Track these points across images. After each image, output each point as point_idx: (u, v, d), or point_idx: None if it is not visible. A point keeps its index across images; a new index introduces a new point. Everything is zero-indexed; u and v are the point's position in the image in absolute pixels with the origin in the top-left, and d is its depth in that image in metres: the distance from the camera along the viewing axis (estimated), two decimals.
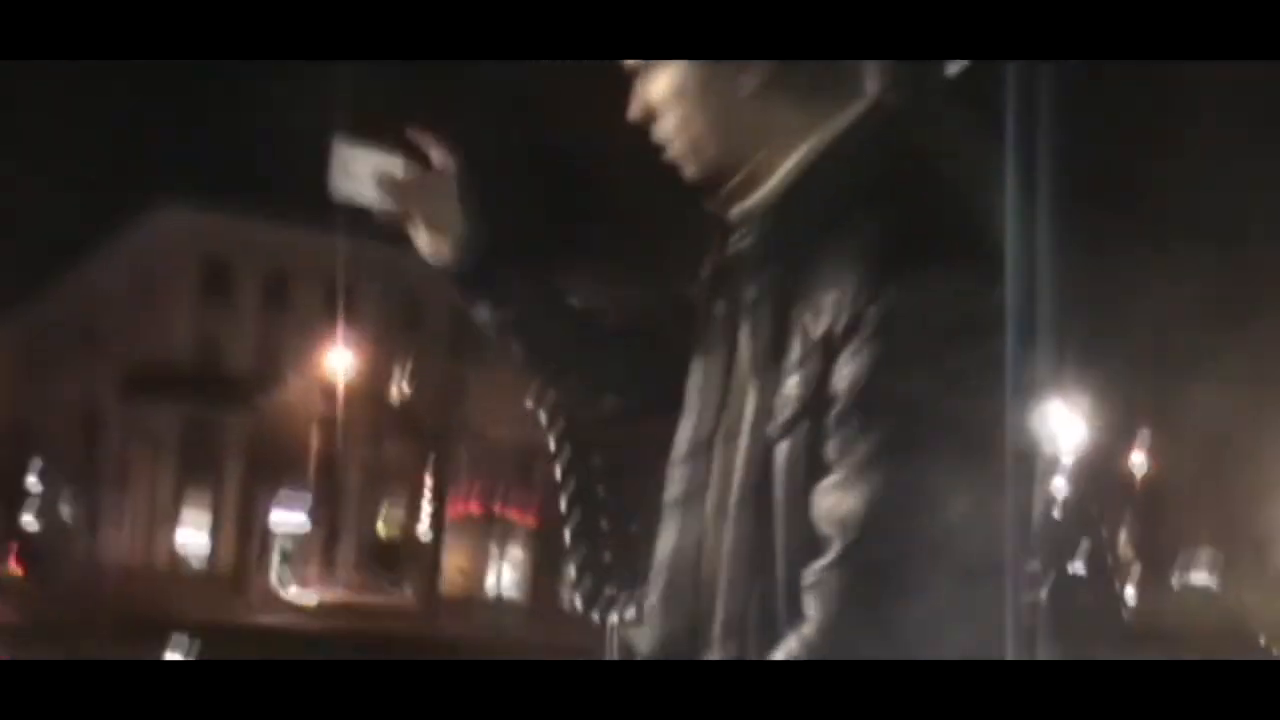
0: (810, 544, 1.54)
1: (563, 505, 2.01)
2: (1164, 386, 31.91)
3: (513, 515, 50.15)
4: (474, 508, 49.81)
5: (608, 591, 1.93)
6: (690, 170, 1.70)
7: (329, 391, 43.64)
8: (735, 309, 1.66)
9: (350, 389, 43.72)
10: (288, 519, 48.74)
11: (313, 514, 47.85)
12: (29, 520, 53.74)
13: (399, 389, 49.71)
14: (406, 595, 46.76)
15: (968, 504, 1.49)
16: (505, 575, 50.94)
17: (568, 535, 1.98)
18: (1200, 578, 35.29)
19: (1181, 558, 36.40)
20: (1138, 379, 29.97)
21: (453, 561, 49.12)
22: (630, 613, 1.91)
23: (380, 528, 51.99)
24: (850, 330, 1.52)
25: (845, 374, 1.52)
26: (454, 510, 48.44)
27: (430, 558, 46.75)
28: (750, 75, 1.63)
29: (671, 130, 1.70)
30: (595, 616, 1.97)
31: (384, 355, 46.93)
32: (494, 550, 51.15)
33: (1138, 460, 38.94)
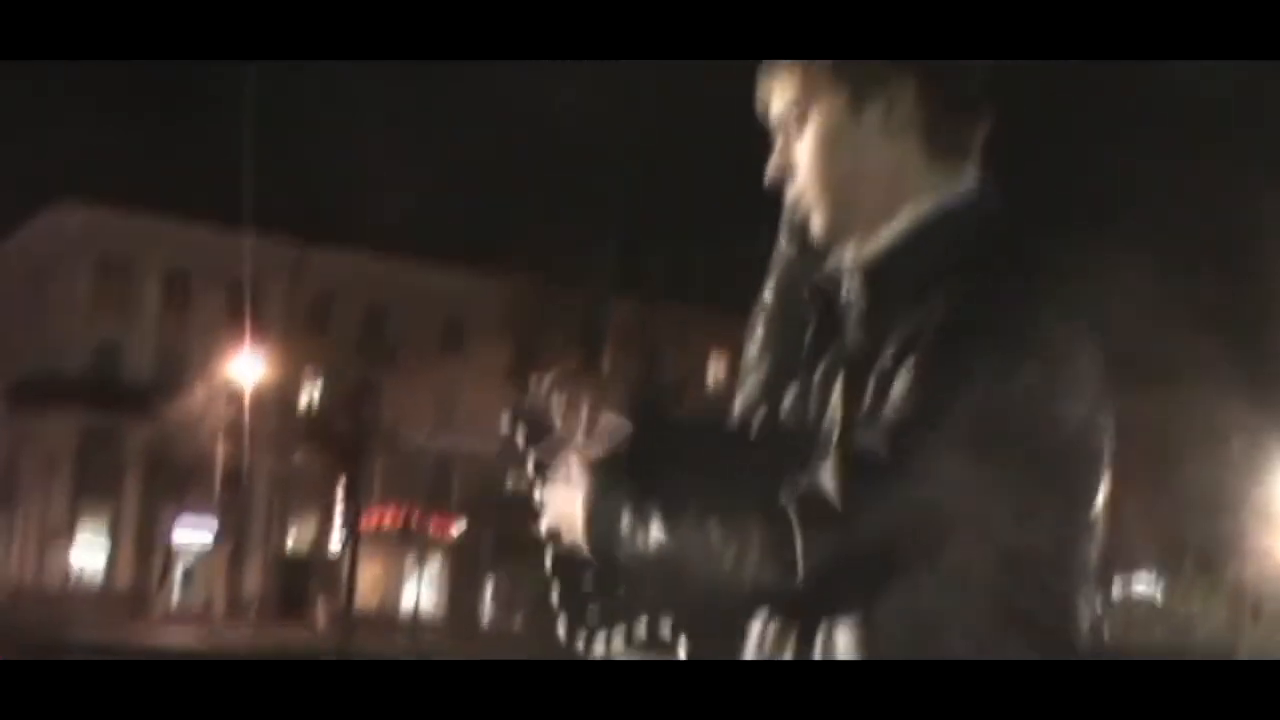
0: None
1: (542, 529, 2.11)
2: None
3: (430, 528, 49.87)
4: (389, 520, 49.51)
5: (590, 621, 2.04)
6: (818, 222, 2.08)
7: (235, 399, 43.25)
8: (841, 350, 2.04)
9: (258, 396, 43.35)
10: (191, 535, 48.29)
11: (218, 529, 47.40)
12: None
13: (309, 396, 49.36)
14: (319, 614, 46.46)
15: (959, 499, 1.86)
16: (423, 591, 50.70)
17: (547, 562, 2.09)
18: (1143, 589, 35.74)
19: (1125, 567, 36.91)
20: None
21: (367, 578, 48.83)
22: (618, 643, 2.01)
23: (290, 543, 51.60)
24: (903, 361, 1.91)
25: (896, 388, 1.90)
26: (368, 523, 48.12)
27: (343, 574, 46.43)
28: (883, 114, 2.04)
29: (807, 183, 2.08)
30: (579, 647, 2.06)
31: (293, 360, 46.58)
32: (411, 565, 50.86)
33: None
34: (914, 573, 1.87)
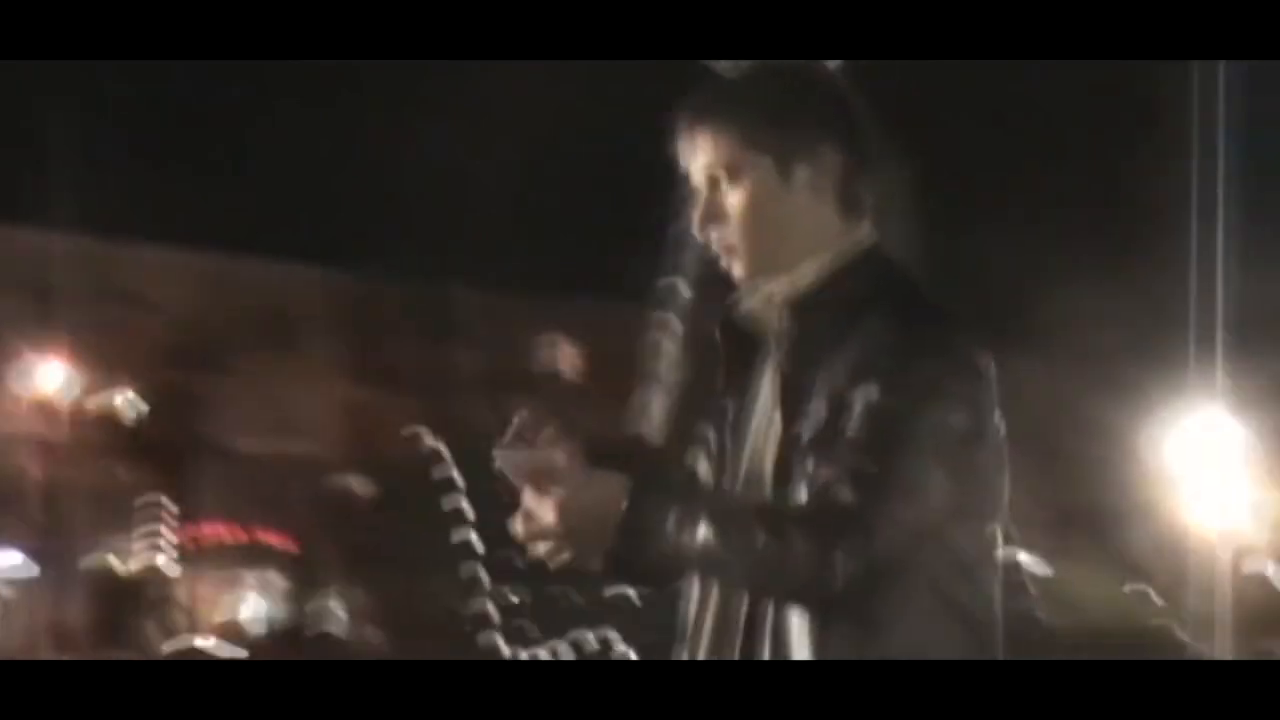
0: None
1: (473, 540, 3.20)
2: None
3: (270, 539, 49.27)
4: (223, 534, 48.81)
5: (517, 624, 3.20)
6: (742, 266, 2.50)
7: (46, 411, 42.18)
8: (764, 368, 2.45)
9: (71, 407, 42.32)
10: (4, 562, 47.03)
11: (35, 559, 46.18)
12: None
13: (128, 403, 48.29)
14: (155, 638, 45.73)
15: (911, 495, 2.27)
16: (264, 606, 50.17)
17: (481, 572, 2.99)
18: (1033, 564, 36.23)
19: (1019, 545, 37.42)
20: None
21: (204, 595, 48.11)
22: (565, 654, 1.93)
23: (116, 564, 50.54)
24: (856, 384, 2.31)
25: (856, 408, 2.28)
26: (201, 538, 47.39)
27: (179, 593, 45.65)
28: (811, 174, 2.46)
29: (737, 232, 2.48)
30: (521, 654, 1.96)
31: (108, 366, 45.45)
32: (250, 579, 50.32)
33: None
34: (888, 578, 2.20)
